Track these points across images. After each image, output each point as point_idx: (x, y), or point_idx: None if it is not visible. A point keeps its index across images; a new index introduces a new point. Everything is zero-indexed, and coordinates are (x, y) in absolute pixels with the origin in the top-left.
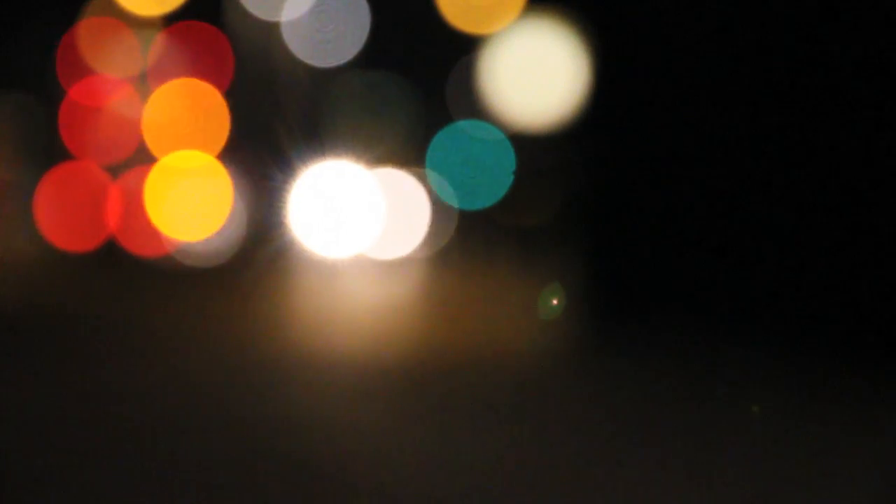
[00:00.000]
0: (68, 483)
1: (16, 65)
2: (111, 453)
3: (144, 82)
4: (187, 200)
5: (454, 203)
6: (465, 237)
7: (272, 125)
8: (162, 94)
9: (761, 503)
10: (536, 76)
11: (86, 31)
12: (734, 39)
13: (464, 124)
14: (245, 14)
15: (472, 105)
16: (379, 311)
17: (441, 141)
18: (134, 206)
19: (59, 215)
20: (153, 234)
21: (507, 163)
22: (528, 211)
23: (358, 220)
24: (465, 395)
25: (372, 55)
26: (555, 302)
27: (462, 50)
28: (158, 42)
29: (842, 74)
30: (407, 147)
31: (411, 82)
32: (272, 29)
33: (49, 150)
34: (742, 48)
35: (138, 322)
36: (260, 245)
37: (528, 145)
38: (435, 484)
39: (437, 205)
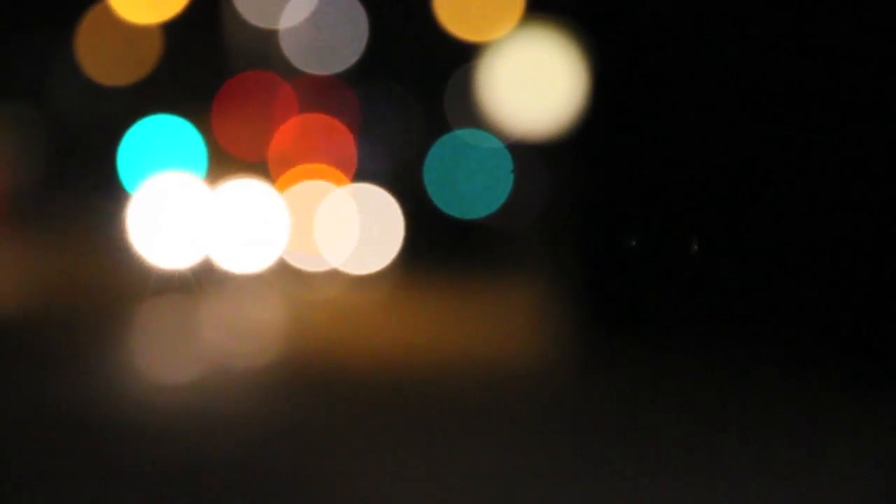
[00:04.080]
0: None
1: (15, 74)
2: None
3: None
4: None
5: (452, 212)
6: (452, 244)
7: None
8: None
9: None
10: (535, 84)
11: (242, 81)
12: (734, 52)
13: (461, 133)
14: (243, 22)
15: (470, 113)
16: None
17: (439, 149)
18: None
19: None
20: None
21: (505, 171)
22: (523, 219)
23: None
24: (437, 404)
25: (370, 63)
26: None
27: (461, 58)
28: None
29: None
30: (405, 155)
31: (410, 90)
32: (270, 37)
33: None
34: (742, 61)
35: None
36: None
37: (525, 154)
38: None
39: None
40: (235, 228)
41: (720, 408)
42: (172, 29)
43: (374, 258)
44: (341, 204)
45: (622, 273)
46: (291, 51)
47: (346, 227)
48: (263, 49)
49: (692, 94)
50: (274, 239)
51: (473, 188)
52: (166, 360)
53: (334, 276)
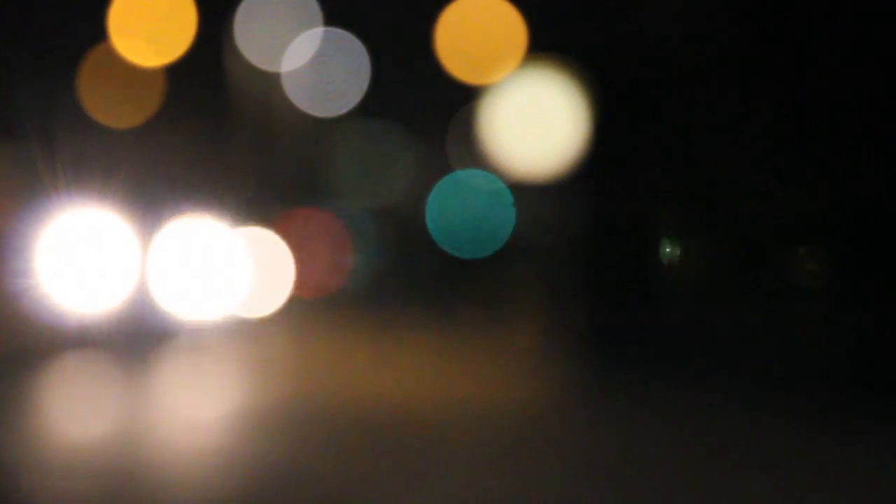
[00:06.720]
0: None
1: (15, 118)
2: None
3: None
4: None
5: (454, 252)
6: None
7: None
8: None
9: None
10: (536, 125)
11: None
12: (734, 87)
13: (463, 174)
14: (247, 65)
15: (472, 154)
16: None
17: (441, 190)
18: None
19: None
20: None
21: (507, 211)
22: (526, 257)
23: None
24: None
25: (373, 105)
26: (668, 249)
27: (462, 100)
28: None
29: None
30: (407, 196)
31: (412, 132)
32: (274, 80)
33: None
34: (743, 99)
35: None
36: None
37: (527, 194)
38: None
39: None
40: (174, 274)
41: (720, 456)
42: (176, 71)
43: (269, 300)
44: (231, 247)
45: (620, 314)
46: (294, 93)
47: (239, 270)
48: (267, 92)
49: (694, 131)
50: (217, 290)
51: (475, 228)
52: (81, 418)
53: (232, 321)
